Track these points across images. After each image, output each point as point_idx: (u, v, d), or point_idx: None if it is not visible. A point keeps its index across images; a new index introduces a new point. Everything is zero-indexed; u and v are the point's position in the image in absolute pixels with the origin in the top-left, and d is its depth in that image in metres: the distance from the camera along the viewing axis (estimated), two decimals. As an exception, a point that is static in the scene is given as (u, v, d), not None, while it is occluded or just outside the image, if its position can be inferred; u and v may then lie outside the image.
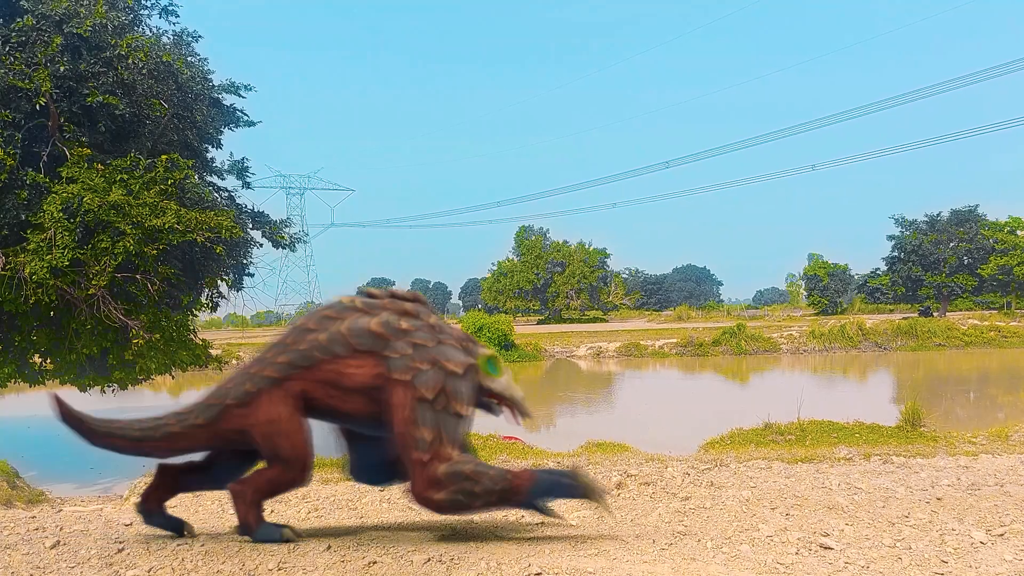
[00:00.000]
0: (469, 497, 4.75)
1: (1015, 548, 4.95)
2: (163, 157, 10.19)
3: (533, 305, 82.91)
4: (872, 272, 63.71)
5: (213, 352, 13.65)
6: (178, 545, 5.23)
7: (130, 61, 10.18)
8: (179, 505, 7.02)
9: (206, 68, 12.01)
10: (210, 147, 12.78)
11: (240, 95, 12.51)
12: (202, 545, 5.20)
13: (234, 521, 5.74)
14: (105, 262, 9.43)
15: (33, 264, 9.10)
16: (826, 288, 77.60)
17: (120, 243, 9.39)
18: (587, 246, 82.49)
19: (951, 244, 53.68)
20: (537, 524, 5.68)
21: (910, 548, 4.99)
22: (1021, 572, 4.55)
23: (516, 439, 11.24)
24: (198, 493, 7.51)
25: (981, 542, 5.09)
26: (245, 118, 12.93)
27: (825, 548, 5.00)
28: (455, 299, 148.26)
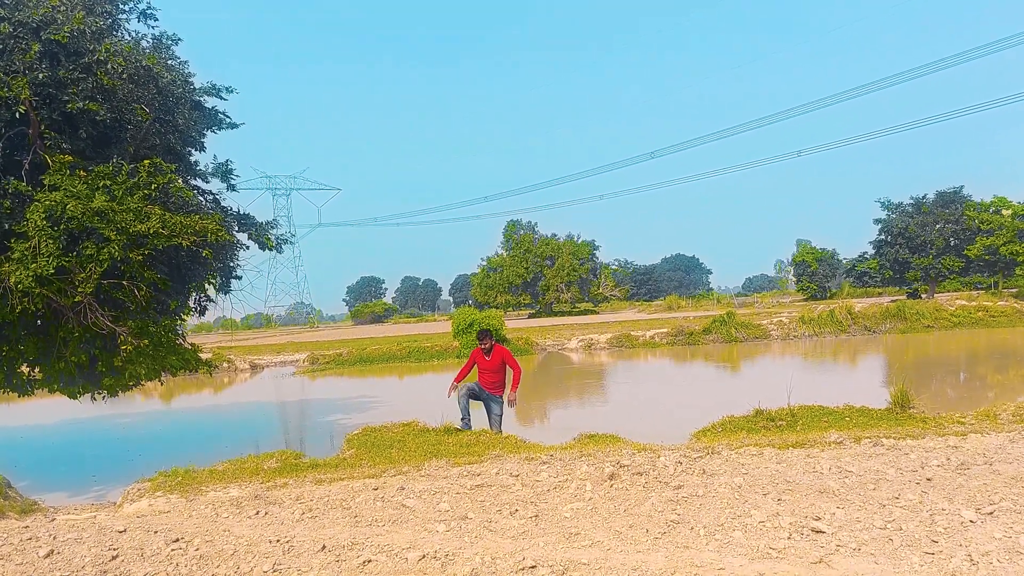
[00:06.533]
0: None
1: (1004, 526, 5.00)
2: (146, 162, 10.11)
3: (524, 299, 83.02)
4: (860, 256, 64.03)
5: (203, 356, 13.60)
6: (172, 550, 5.23)
7: (109, 66, 10.09)
8: (172, 510, 7.01)
9: (186, 71, 11.93)
10: (193, 150, 12.69)
11: (222, 97, 12.43)
12: (197, 550, 5.20)
13: (229, 525, 5.74)
14: (91, 269, 9.35)
15: (18, 273, 9.02)
16: (815, 274, 78.09)
17: (105, 249, 9.32)
18: (576, 239, 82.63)
19: (937, 226, 54.02)
20: (532, 517, 5.70)
21: (901, 529, 5.03)
22: (1011, 549, 4.59)
23: None
24: (191, 498, 7.49)
25: (971, 521, 5.13)
26: (228, 120, 12.85)
27: (817, 532, 5.04)
28: (445, 295, 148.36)
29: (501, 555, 4.70)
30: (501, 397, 11.45)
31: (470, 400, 11.19)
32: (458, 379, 11.41)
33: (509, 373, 11.47)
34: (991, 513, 5.28)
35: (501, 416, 11.42)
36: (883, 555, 4.61)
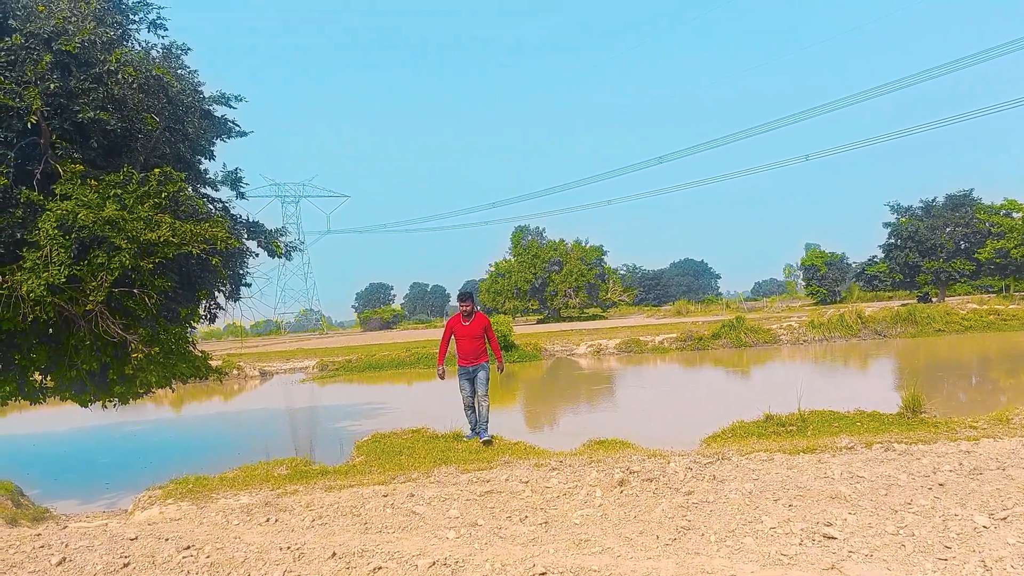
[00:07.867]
0: None
1: (1018, 531, 4.97)
2: (156, 171, 10.17)
3: (532, 305, 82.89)
4: (869, 260, 63.67)
5: (213, 363, 13.64)
6: (183, 558, 5.24)
7: (120, 76, 10.17)
8: (183, 518, 7.03)
9: (196, 80, 12.01)
10: (203, 159, 12.77)
11: (231, 106, 12.51)
12: (207, 557, 5.22)
13: (239, 532, 5.75)
14: (102, 277, 9.41)
15: (30, 282, 9.09)
16: (824, 278, 77.68)
17: (116, 258, 9.37)
18: (583, 244, 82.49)
19: (947, 229, 53.71)
20: (542, 523, 5.69)
21: (913, 535, 5.00)
22: (1024, 555, 4.56)
23: None
24: (202, 505, 7.51)
25: (984, 526, 5.10)
26: (237, 128, 12.93)
27: (828, 538, 5.02)
28: (453, 301, 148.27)
29: (511, 562, 4.69)
30: (487, 363, 11.11)
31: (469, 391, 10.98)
32: (440, 358, 11.17)
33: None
34: (1004, 518, 5.25)
35: (487, 379, 11.04)
36: (895, 561, 4.58)
